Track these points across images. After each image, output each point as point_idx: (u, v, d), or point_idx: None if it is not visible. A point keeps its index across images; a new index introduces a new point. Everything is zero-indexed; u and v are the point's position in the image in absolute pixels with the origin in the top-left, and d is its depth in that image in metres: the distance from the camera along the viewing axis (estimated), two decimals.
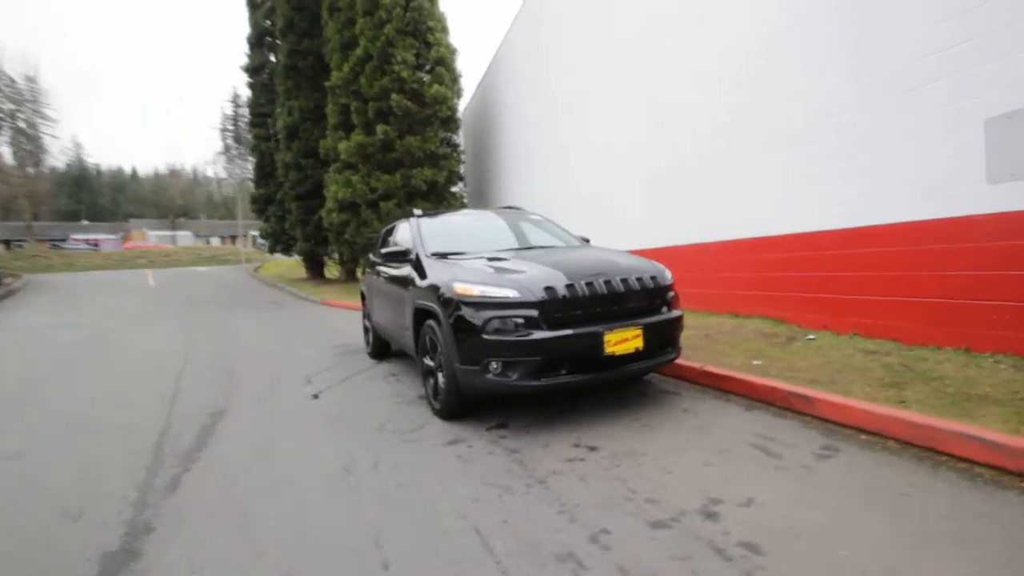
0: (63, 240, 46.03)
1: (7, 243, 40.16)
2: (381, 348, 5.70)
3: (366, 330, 6.10)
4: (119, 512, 2.40)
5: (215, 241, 53.44)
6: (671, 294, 3.50)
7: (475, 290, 3.10)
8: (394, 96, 12.87)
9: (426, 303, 3.59)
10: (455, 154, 14.36)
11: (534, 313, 2.97)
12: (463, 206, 14.23)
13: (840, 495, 2.17)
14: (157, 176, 66.35)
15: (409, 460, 2.87)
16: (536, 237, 4.54)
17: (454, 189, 14.62)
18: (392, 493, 2.46)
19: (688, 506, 2.15)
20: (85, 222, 56.40)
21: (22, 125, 32.30)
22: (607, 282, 3.15)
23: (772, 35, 5.29)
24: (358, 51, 13.27)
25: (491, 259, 3.63)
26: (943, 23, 3.78)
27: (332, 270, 17.97)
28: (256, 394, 4.56)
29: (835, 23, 4.66)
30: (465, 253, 4.01)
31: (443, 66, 13.77)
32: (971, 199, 3.64)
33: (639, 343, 3.11)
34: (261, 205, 18.75)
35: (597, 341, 2.99)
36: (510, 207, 5.30)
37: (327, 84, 14.12)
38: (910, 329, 4.12)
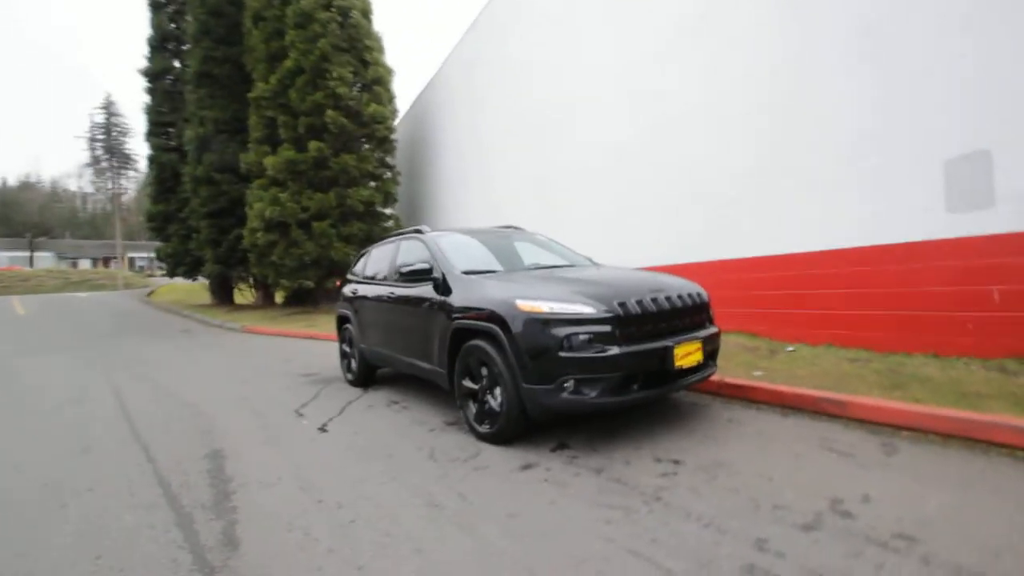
0: None
1: None
2: (367, 375, 5.31)
3: (344, 356, 5.65)
4: None
5: (85, 263, 46.55)
6: (711, 310, 3.67)
7: (544, 307, 3.03)
8: (329, 112, 12.35)
9: (471, 322, 3.42)
10: (391, 175, 14.00)
11: (609, 329, 2.96)
12: (400, 227, 13.82)
13: (937, 485, 2.39)
14: (5, 188, 56.71)
15: (495, 489, 2.68)
16: (552, 257, 4.55)
17: (389, 211, 14.20)
18: (509, 524, 2.28)
19: (817, 507, 2.24)
20: None
21: None
22: (667, 298, 3.24)
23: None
24: (288, 63, 12.59)
25: (537, 277, 3.58)
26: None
27: (246, 295, 16.44)
28: (245, 431, 4.01)
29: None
30: (496, 271, 3.92)
31: (381, 85, 13.49)
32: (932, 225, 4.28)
33: (700, 356, 3.23)
34: (159, 223, 16.72)
35: (668, 355, 3.04)
36: (508, 227, 5.26)
37: (250, 96, 13.19)
38: (880, 339, 4.69)
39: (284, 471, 3.11)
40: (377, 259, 5.22)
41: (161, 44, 17.09)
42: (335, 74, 12.43)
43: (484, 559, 2.02)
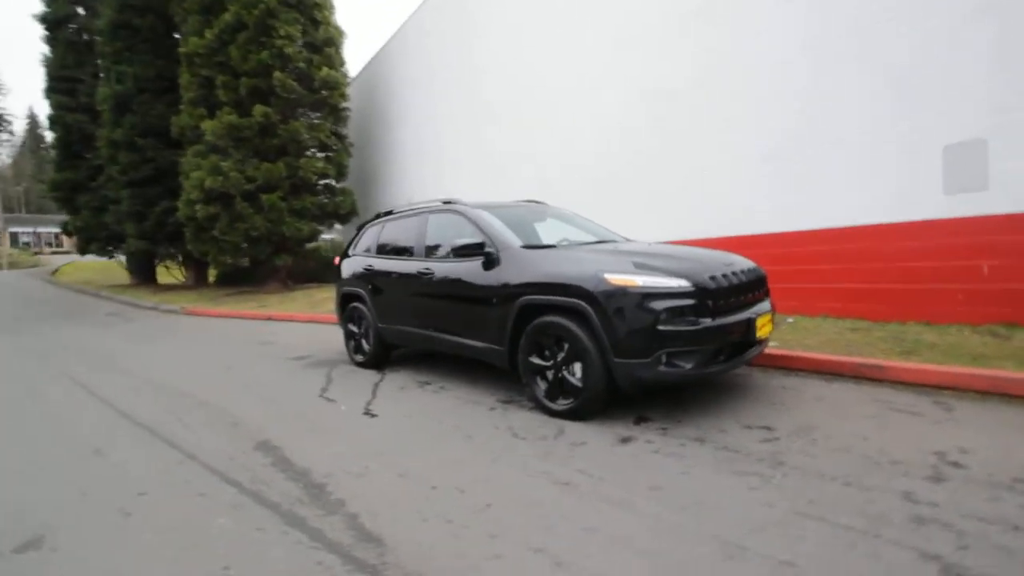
0: None
1: None
2: (383, 356, 5.05)
3: (351, 337, 5.31)
4: None
5: None
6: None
7: (639, 280, 3.00)
8: (277, 74, 11.37)
9: (544, 298, 3.33)
10: (343, 146, 13.19)
11: (702, 302, 3.01)
12: (353, 202, 13.12)
13: (1007, 434, 2.68)
14: None
15: (611, 463, 2.65)
16: (595, 231, 4.53)
17: (341, 184, 13.42)
18: (662, 497, 2.27)
19: (928, 461, 2.43)
20: None
21: None
22: (742, 271, 3.34)
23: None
24: (226, 16, 11.39)
25: (607, 251, 3.55)
26: None
27: (174, 274, 14.91)
28: (277, 420, 3.67)
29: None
30: (555, 245, 3.83)
31: (333, 48, 12.58)
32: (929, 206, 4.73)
33: (771, 327, 3.37)
34: (65, 193, 14.57)
35: (752, 326, 3.15)
36: (532, 200, 5.14)
37: (181, 51, 11.81)
38: (873, 310, 5.15)
39: (363, 459, 2.89)
40: (395, 234, 4.91)
41: None
42: (282, 32, 11.39)
43: (665, 532, 2.00)
